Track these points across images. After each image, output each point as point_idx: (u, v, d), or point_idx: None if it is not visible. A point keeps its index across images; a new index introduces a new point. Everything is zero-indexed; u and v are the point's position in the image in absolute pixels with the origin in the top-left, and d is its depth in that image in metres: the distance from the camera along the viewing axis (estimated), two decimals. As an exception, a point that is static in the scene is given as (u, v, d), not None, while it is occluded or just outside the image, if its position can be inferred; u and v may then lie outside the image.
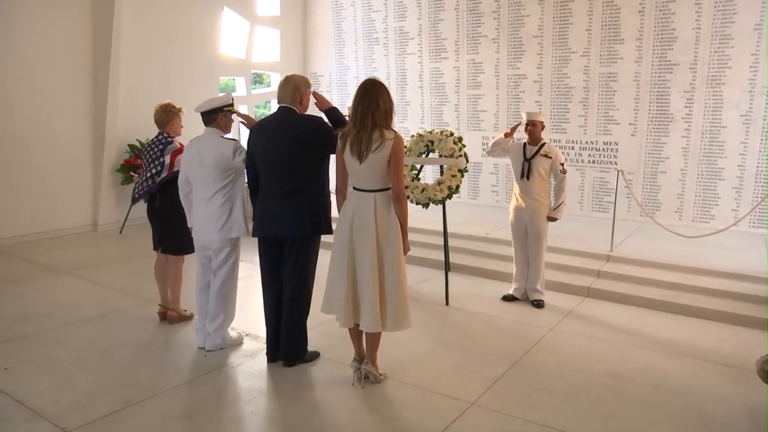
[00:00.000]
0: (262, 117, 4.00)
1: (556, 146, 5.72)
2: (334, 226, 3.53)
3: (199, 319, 4.07)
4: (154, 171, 4.30)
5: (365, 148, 3.15)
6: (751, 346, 4.18)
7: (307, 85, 3.64)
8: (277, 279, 3.69)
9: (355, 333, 3.46)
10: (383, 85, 3.26)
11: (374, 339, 3.44)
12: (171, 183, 4.27)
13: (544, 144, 4.98)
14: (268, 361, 3.77)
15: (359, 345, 3.49)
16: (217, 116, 3.88)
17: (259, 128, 3.67)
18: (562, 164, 4.95)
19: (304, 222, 3.53)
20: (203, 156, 3.82)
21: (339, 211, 3.42)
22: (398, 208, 3.26)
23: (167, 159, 4.28)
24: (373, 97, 3.17)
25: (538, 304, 5.04)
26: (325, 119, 3.65)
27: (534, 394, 3.46)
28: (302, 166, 3.51)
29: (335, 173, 3.42)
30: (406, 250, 3.35)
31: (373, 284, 3.23)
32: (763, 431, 3.16)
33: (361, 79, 3.32)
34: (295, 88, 3.56)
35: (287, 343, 3.69)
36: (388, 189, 3.26)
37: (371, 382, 3.50)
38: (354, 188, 3.33)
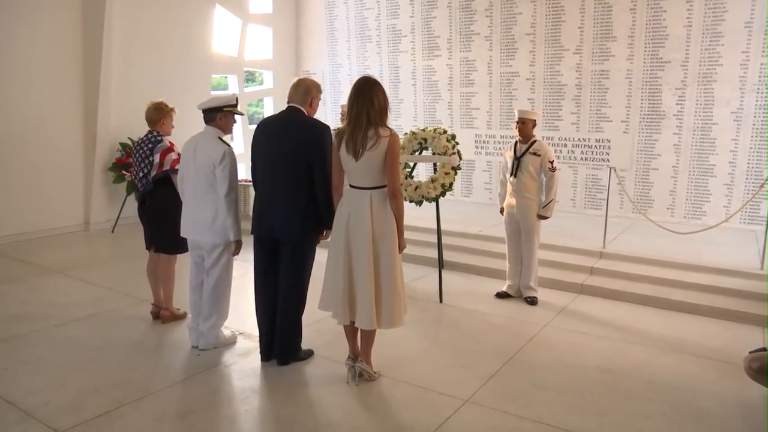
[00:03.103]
0: (265, 117, 3.95)
1: (549, 143, 5.73)
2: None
3: (192, 318, 4.06)
4: (147, 170, 4.28)
5: (360, 146, 3.15)
6: (743, 342, 4.21)
7: (318, 89, 3.67)
8: (272, 278, 3.68)
9: (350, 331, 3.46)
10: (378, 82, 3.25)
11: (369, 336, 3.44)
12: (161, 182, 4.25)
13: (534, 142, 4.98)
14: (262, 360, 3.76)
15: (354, 343, 3.50)
16: (215, 116, 3.85)
17: (263, 127, 3.67)
18: (551, 162, 4.94)
19: (299, 224, 3.52)
20: (197, 155, 3.80)
21: (335, 208, 3.42)
22: (394, 205, 3.27)
23: (157, 158, 4.25)
24: (367, 95, 3.17)
25: (532, 301, 5.05)
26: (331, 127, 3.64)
27: (528, 391, 3.47)
28: (301, 166, 3.49)
29: (332, 171, 3.41)
30: (402, 247, 3.35)
31: (369, 281, 3.23)
32: (755, 425, 3.19)
33: (354, 77, 3.33)
34: (306, 90, 3.59)
35: (281, 342, 3.69)
36: (383, 187, 3.27)
37: (365, 380, 3.50)
38: (350, 186, 3.33)
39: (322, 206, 3.52)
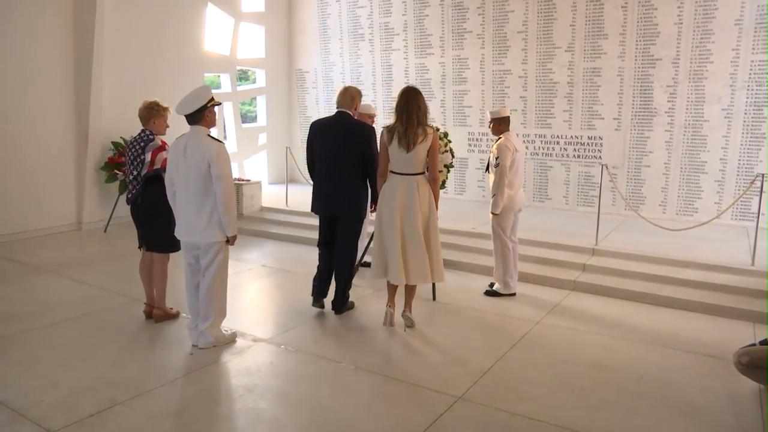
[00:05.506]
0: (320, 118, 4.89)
1: (542, 141, 5.71)
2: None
3: (192, 318, 4.05)
4: (138, 170, 4.26)
5: (412, 141, 4.05)
6: (733, 337, 4.25)
7: (360, 95, 4.67)
8: (332, 245, 4.59)
9: (392, 288, 4.32)
10: (420, 91, 4.16)
11: (413, 290, 4.34)
12: (153, 181, 4.24)
13: (497, 140, 5.02)
14: (313, 304, 4.63)
15: (393, 296, 4.36)
16: (203, 113, 3.84)
17: (319, 127, 4.60)
18: (497, 158, 4.92)
19: (355, 202, 4.47)
20: (188, 155, 3.77)
21: (379, 191, 4.26)
22: (435, 187, 4.24)
23: (148, 156, 4.23)
24: (415, 101, 4.08)
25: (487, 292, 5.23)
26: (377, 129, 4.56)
27: (520, 387, 3.50)
28: (355, 159, 4.40)
29: (379, 161, 4.26)
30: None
31: (422, 246, 4.13)
32: (744, 419, 3.22)
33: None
34: (351, 97, 4.55)
35: (338, 294, 4.59)
36: (423, 173, 4.18)
37: (408, 327, 4.28)
38: (394, 172, 4.17)
39: (372, 188, 4.49)
